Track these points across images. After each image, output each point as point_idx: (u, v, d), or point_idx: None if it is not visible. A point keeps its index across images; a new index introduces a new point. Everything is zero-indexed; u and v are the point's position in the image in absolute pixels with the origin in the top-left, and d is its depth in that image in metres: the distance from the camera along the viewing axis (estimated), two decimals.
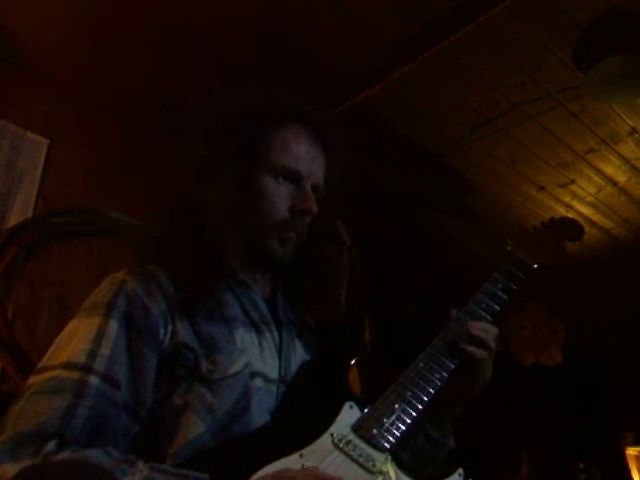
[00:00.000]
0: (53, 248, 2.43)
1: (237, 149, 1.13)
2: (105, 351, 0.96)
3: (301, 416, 1.04)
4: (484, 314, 1.17)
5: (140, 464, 0.86)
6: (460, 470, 1.07)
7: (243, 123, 1.15)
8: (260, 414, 1.03)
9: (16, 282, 2.30)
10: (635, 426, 4.07)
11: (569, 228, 1.39)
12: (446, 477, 1.06)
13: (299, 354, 1.16)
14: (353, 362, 1.15)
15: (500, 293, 1.20)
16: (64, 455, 0.85)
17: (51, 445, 0.85)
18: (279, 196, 1.14)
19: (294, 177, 1.15)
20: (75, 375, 0.93)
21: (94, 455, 0.86)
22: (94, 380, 0.93)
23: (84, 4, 2.18)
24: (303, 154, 1.16)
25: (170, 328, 1.02)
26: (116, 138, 2.74)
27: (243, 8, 2.15)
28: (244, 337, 1.07)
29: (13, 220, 2.35)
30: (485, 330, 1.12)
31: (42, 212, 2.43)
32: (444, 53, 2.25)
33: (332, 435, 0.98)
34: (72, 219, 2.48)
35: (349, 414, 1.02)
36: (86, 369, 0.94)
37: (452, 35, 2.17)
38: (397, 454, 1.02)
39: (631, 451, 4.10)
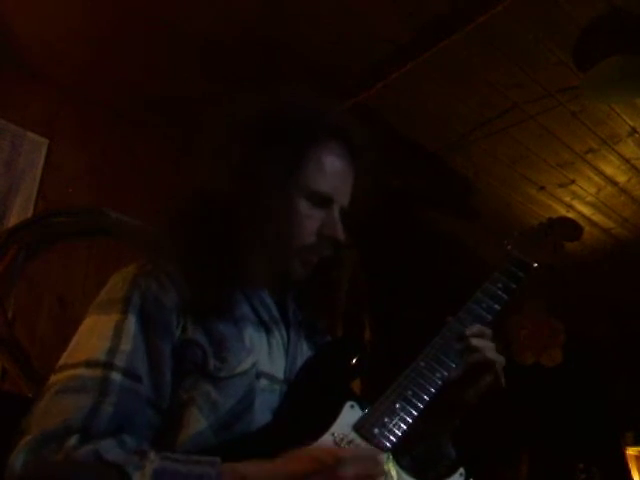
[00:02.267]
0: (53, 248, 2.43)
1: (275, 166, 1.09)
2: (125, 347, 0.96)
3: (302, 416, 1.04)
4: (484, 313, 1.17)
5: (151, 455, 0.86)
6: (461, 470, 1.07)
7: (283, 138, 1.10)
8: (263, 414, 1.02)
9: (16, 282, 2.30)
10: (635, 426, 4.07)
11: (567, 228, 1.39)
12: (447, 477, 1.07)
13: (305, 355, 1.16)
14: (354, 362, 1.15)
15: (500, 292, 1.20)
16: (86, 449, 0.85)
17: (73, 440, 0.85)
18: (309, 219, 1.11)
19: (326, 201, 1.12)
20: (97, 373, 0.93)
21: (107, 447, 0.86)
22: (116, 376, 0.93)
23: (83, 3, 2.18)
24: (337, 177, 1.13)
25: (182, 323, 1.02)
26: (116, 138, 2.74)
27: (243, 7, 2.15)
28: (253, 336, 1.07)
29: (13, 220, 2.35)
30: (482, 335, 1.12)
31: (42, 212, 2.43)
32: (444, 53, 2.25)
33: (333, 435, 0.98)
34: (72, 219, 2.48)
35: (350, 414, 1.02)
36: (108, 366, 0.94)
37: (452, 35, 2.17)
38: (398, 456, 1.02)
39: (631, 451, 4.10)
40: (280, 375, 1.08)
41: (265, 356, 1.07)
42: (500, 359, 1.12)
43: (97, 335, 0.98)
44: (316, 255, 1.13)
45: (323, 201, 1.12)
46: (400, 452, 1.03)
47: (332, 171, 1.13)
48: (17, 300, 2.29)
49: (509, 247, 1.29)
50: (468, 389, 1.12)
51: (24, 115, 2.49)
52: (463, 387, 1.11)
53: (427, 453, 1.15)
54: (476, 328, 1.13)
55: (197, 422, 0.96)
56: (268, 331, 1.10)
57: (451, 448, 1.19)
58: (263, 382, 1.05)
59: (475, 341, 1.10)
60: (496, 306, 1.18)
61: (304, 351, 1.16)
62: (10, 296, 2.27)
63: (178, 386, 0.99)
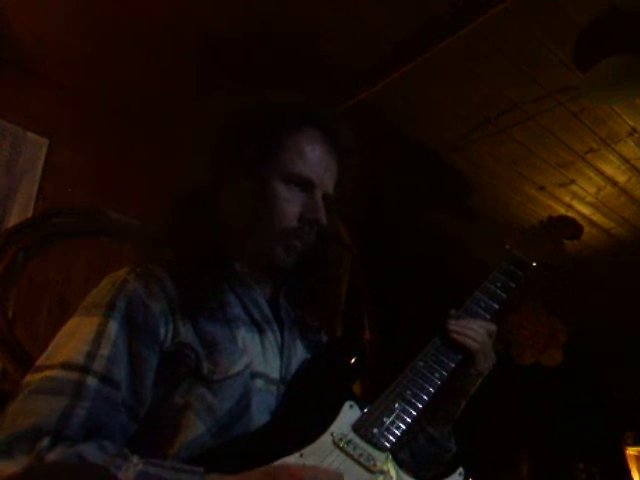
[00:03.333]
0: (53, 248, 2.43)
1: (252, 152, 1.12)
2: (104, 352, 0.95)
3: (301, 416, 1.04)
4: (483, 312, 1.17)
5: (134, 458, 0.87)
6: (461, 469, 1.07)
7: (259, 125, 1.13)
8: (260, 414, 1.03)
9: (16, 282, 2.30)
10: (635, 426, 4.07)
11: (567, 226, 1.39)
12: (447, 476, 1.07)
13: (300, 354, 1.16)
14: (353, 362, 1.15)
15: (499, 291, 1.21)
16: (58, 450, 0.84)
17: (45, 442, 0.85)
18: (290, 203, 1.12)
19: (306, 185, 1.14)
20: (73, 376, 0.93)
21: (89, 450, 0.85)
22: (92, 381, 0.93)
23: (82, 2, 2.18)
24: (317, 162, 1.15)
25: (171, 328, 1.01)
26: (116, 137, 2.74)
27: (243, 6, 2.15)
28: (245, 337, 1.07)
29: (13, 220, 2.35)
30: (479, 325, 1.14)
31: (42, 212, 2.43)
32: (444, 53, 2.25)
33: (332, 435, 0.98)
34: (72, 219, 2.48)
35: (349, 413, 1.02)
36: (84, 370, 0.93)
37: (452, 35, 2.17)
38: (396, 453, 1.02)
39: (631, 451, 4.10)
40: (276, 375, 1.08)
41: (259, 356, 1.07)
42: (481, 346, 1.13)
43: (77, 338, 0.98)
44: (299, 240, 1.13)
45: (303, 185, 1.13)
46: (400, 446, 1.04)
47: (312, 157, 1.14)
48: (17, 300, 2.29)
49: (508, 246, 1.29)
50: (460, 377, 1.14)
51: (24, 115, 2.49)
52: (456, 373, 1.13)
53: (428, 444, 1.15)
54: (462, 322, 1.14)
55: (195, 426, 0.96)
56: (261, 331, 1.10)
57: (452, 442, 1.19)
58: (259, 382, 1.05)
59: (455, 329, 1.13)
60: (495, 305, 1.19)
61: (299, 351, 1.16)
62: (10, 296, 2.27)
63: (174, 391, 0.98)
